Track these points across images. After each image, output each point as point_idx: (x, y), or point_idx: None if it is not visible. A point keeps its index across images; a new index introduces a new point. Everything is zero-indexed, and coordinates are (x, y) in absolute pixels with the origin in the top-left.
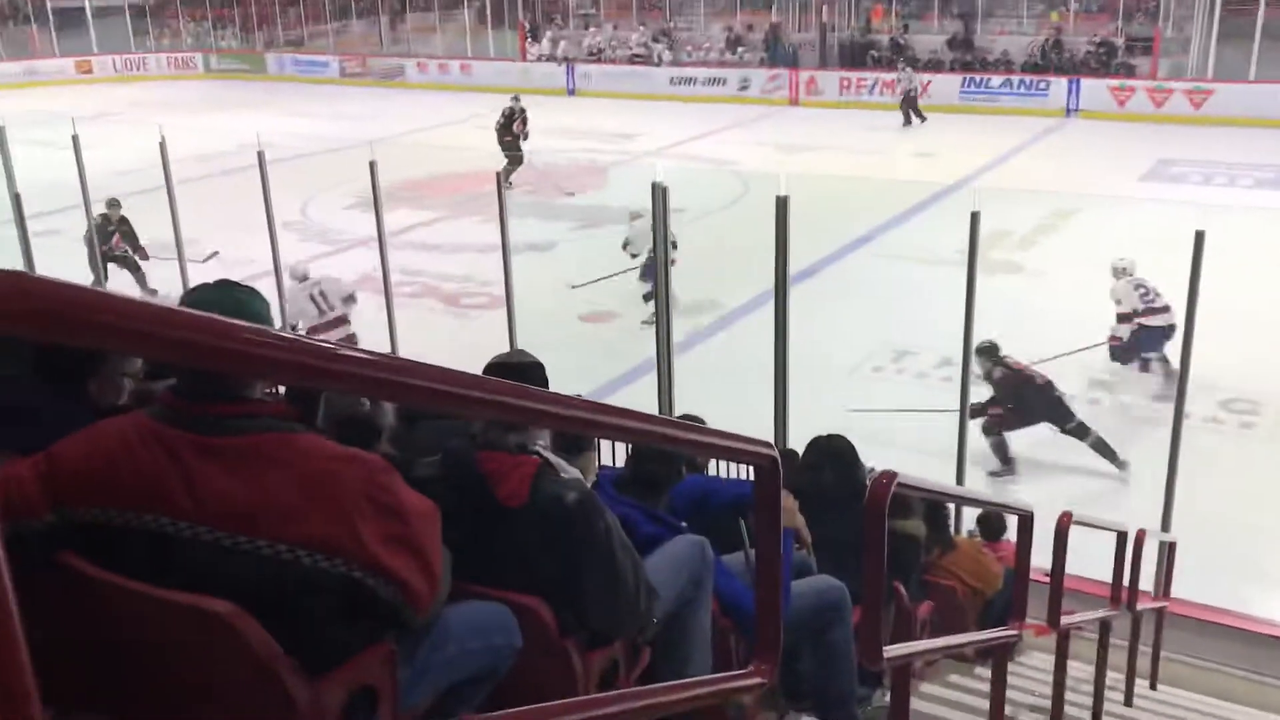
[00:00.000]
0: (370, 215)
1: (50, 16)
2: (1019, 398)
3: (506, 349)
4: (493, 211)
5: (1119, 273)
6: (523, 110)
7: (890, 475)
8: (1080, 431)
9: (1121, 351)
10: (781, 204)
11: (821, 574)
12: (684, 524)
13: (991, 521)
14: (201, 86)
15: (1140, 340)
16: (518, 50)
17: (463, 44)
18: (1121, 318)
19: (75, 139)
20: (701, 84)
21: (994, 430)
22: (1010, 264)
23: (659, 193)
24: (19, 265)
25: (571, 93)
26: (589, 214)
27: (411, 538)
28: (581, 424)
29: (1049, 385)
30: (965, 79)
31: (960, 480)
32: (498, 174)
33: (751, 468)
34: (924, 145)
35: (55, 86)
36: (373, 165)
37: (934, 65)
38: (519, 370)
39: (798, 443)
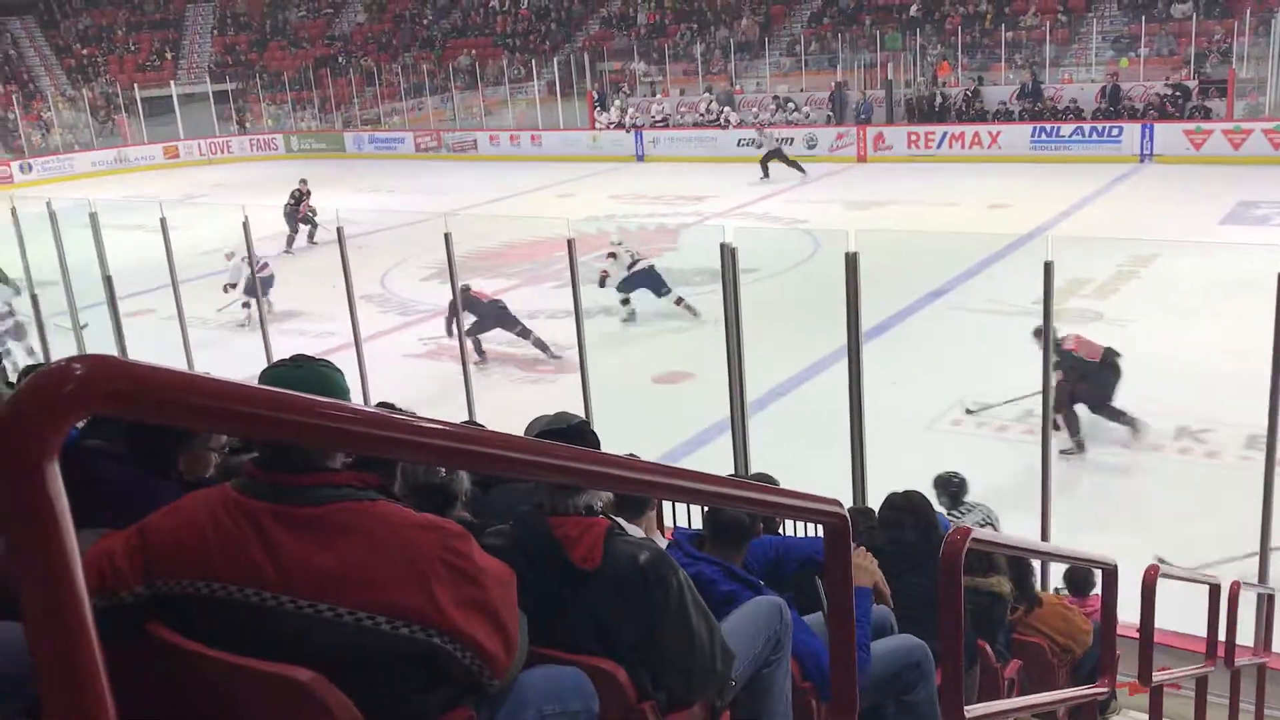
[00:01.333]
0: (447, 285)
1: (140, 105)
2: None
3: (582, 412)
4: (566, 277)
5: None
6: (308, 192)
7: (964, 531)
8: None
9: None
10: (851, 260)
11: (903, 633)
12: (762, 582)
13: (1078, 576)
14: (283, 166)
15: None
16: (586, 120)
17: (533, 115)
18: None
19: (163, 222)
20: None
21: (1063, 404)
22: (1089, 312)
23: (728, 254)
24: (111, 345)
25: (641, 159)
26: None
27: (488, 602)
28: (651, 487)
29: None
30: (1035, 129)
31: (1045, 535)
32: (569, 241)
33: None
34: (996, 196)
35: (144, 172)
36: (448, 237)
37: (1003, 116)
38: (571, 433)
39: (876, 499)
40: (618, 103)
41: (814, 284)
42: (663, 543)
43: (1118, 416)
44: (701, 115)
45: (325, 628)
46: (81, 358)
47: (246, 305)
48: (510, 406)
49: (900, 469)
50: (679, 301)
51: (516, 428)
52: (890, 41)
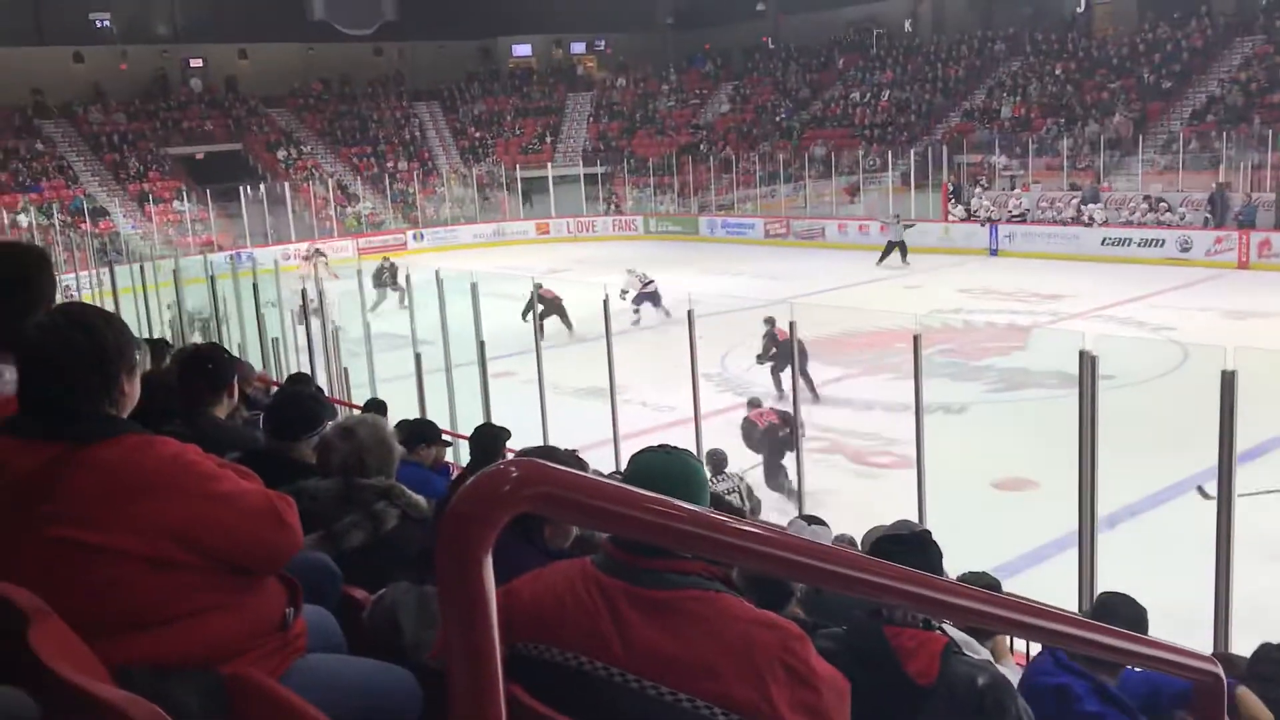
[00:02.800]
0: (785, 370)
1: (519, 184)
2: None
3: (914, 511)
4: (906, 370)
5: None
6: (392, 265)
7: None
8: None
9: None
10: (1228, 379)
11: None
12: (1141, 716)
13: None
14: (640, 246)
15: None
16: (939, 211)
17: (885, 205)
18: None
19: (532, 295)
20: (1136, 245)
21: None
22: None
23: (1087, 362)
24: (478, 401)
25: (994, 253)
26: (1008, 376)
27: (823, 709)
28: (988, 618)
29: None
30: None
31: None
32: (915, 337)
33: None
34: None
35: (518, 245)
36: (792, 325)
37: None
38: (913, 543)
39: (1240, 643)
40: (975, 195)
41: (1179, 398)
42: (1013, 670)
43: None
44: (1064, 212)
45: (663, 710)
46: (515, 462)
47: (636, 311)
48: (841, 498)
49: (1271, 614)
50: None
51: (845, 522)
52: None
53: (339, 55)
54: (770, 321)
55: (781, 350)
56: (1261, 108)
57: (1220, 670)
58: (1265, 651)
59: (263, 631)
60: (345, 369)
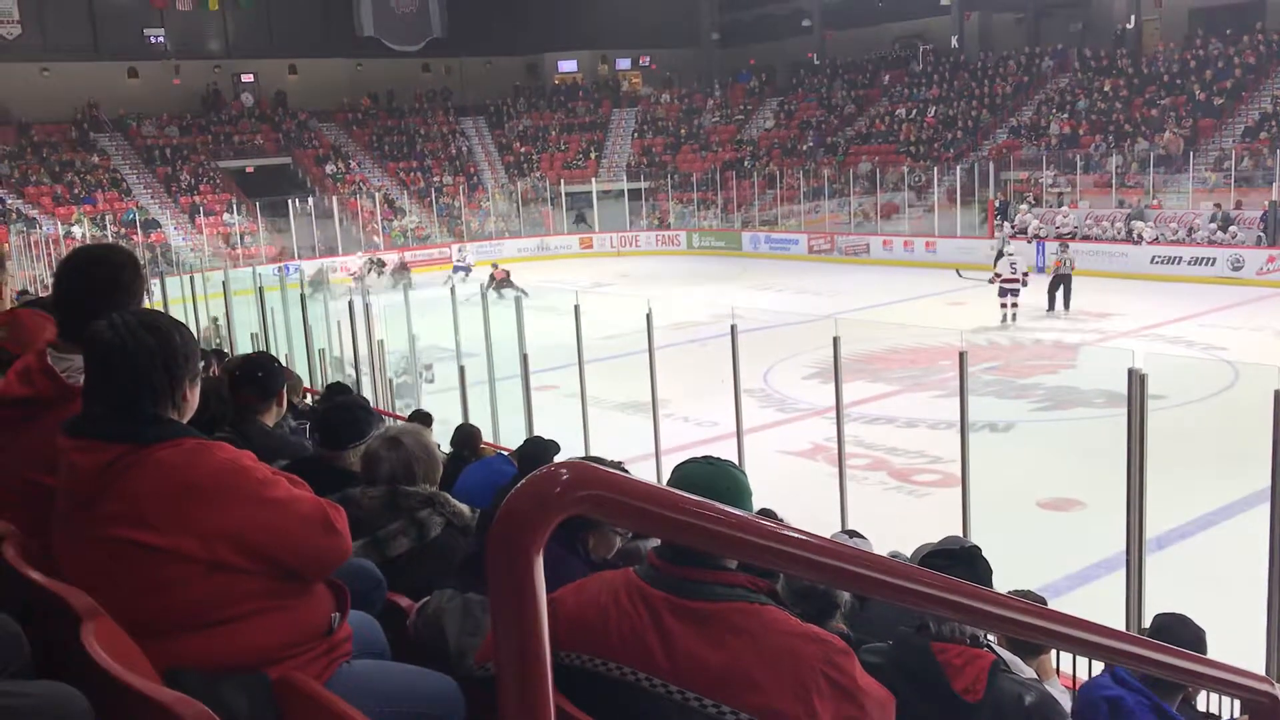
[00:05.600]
0: (827, 386)
1: (563, 199)
2: None
3: (958, 529)
4: (951, 387)
5: None
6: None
7: None
8: None
9: None
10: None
11: None
12: None
13: None
14: (683, 261)
15: None
16: (986, 228)
17: (930, 222)
18: None
19: (576, 309)
20: (1187, 263)
21: None
22: None
23: (1136, 380)
24: (520, 414)
25: (1041, 270)
26: (1055, 395)
27: None
28: (1040, 632)
29: None
30: None
31: None
32: (961, 354)
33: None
34: None
35: (561, 259)
36: (836, 340)
37: None
38: (962, 557)
39: None
40: (1022, 211)
41: (1229, 419)
42: (1058, 690)
43: None
44: (1112, 230)
45: None
46: (566, 465)
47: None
48: (883, 516)
49: None
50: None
51: (888, 542)
52: None
53: (387, 70)
54: None
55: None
56: None
57: (1275, 690)
58: None
59: (310, 636)
60: (390, 380)
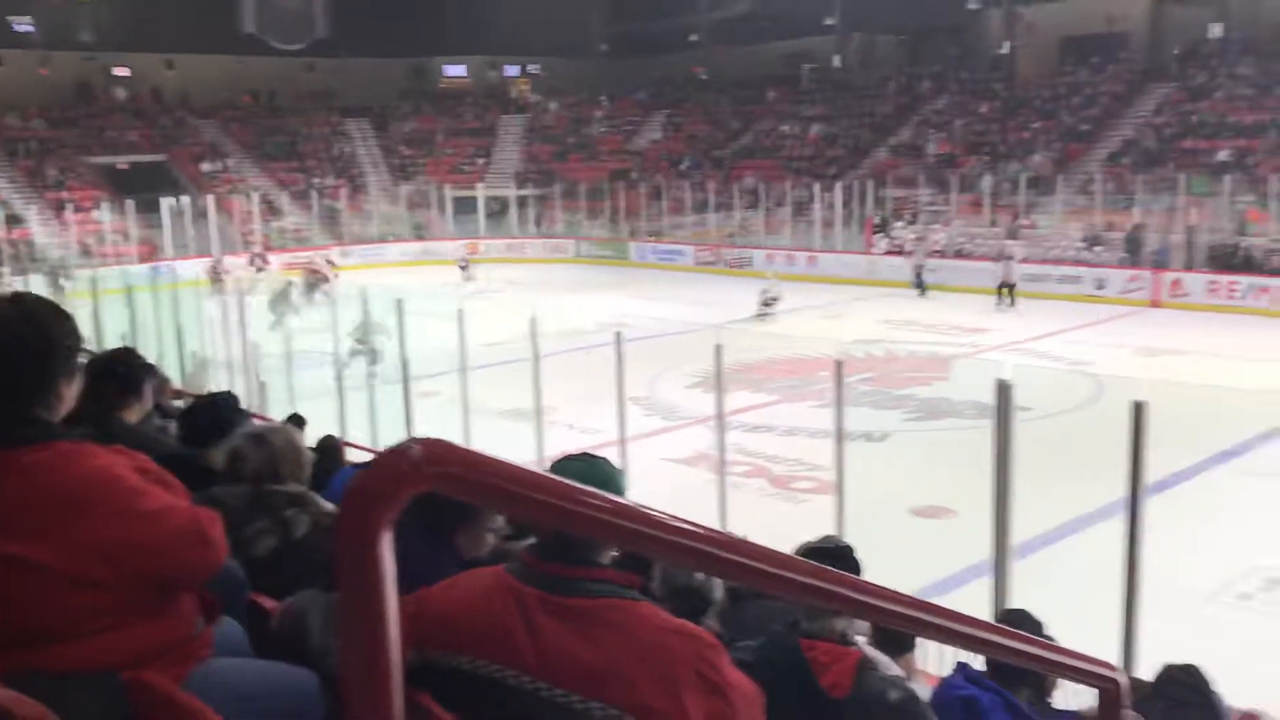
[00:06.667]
0: (711, 394)
1: (449, 204)
2: None
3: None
4: (829, 397)
5: None
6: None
7: (1251, 718)
8: None
9: None
10: (1138, 410)
11: None
12: None
13: None
14: (571, 269)
15: None
16: (864, 244)
17: (811, 236)
18: None
19: (460, 314)
20: (1055, 281)
21: None
22: None
23: (1004, 391)
24: (400, 420)
25: (917, 285)
26: (928, 406)
27: (734, 718)
28: (904, 619)
29: None
30: None
31: None
32: (837, 363)
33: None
34: None
35: (447, 265)
36: (718, 348)
37: None
38: (833, 554)
39: (1143, 669)
40: (899, 228)
41: (1092, 430)
42: (922, 688)
43: None
44: (985, 247)
45: (574, 718)
46: (420, 440)
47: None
48: (762, 522)
49: (1174, 641)
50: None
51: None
52: (1196, 186)
53: (269, 69)
54: None
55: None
56: (1175, 152)
57: (1120, 678)
58: (1169, 673)
59: (173, 644)
60: (263, 383)
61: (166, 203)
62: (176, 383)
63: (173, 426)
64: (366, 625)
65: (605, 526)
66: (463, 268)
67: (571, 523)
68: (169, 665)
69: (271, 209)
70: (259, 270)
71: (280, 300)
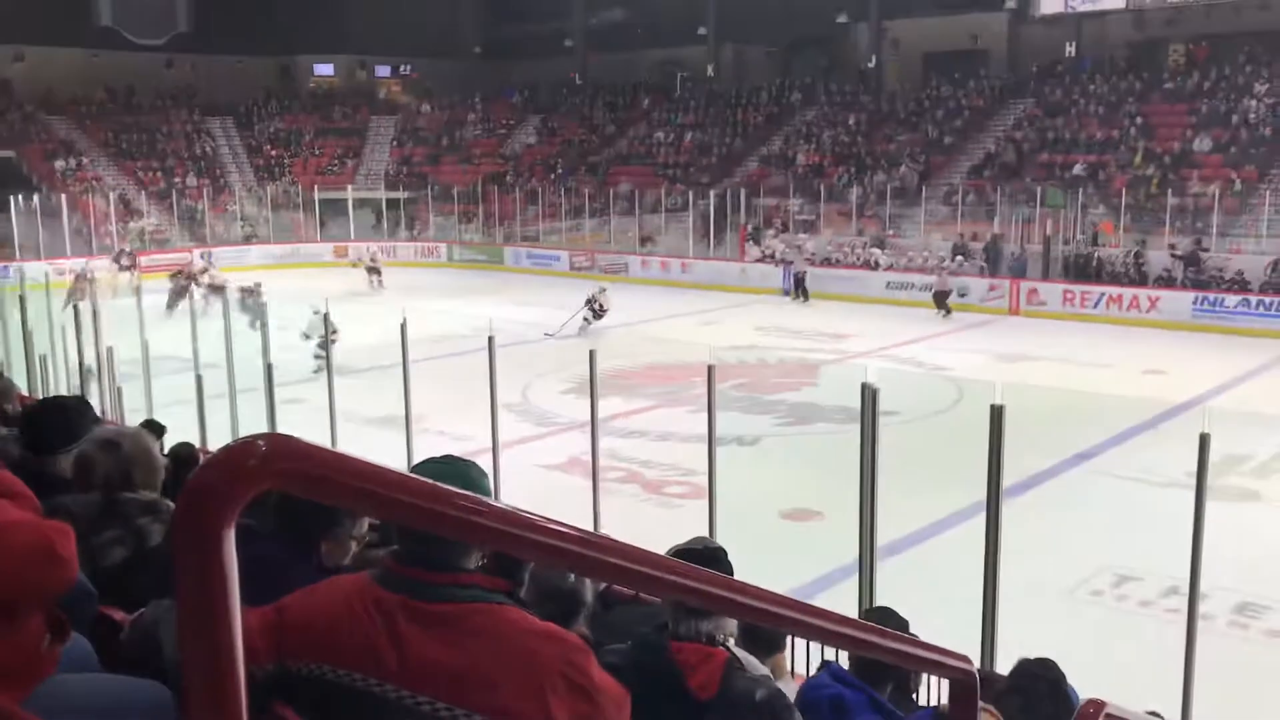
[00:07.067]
0: (585, 401)
1: (317, 206)
2: None
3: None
4: (703, 402)
5: None
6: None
7: (1098, 705)
8: None
9: None
10: (996, 413)
11: None
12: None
13: None
14: (443, 274)
15: None
16: (737, 252)
17: (686, 244)
18: None
19: (326, 318)
20: (918, 289)
21: None
22: (1247, 491)
23: (868, 394)
24: (264, 429)
25: (787, 293)
26: (798, 411)
27: None
28: (778, 619)
29: None
30: (1198, 297)
31: (1186, 718)
32: (709, 368)
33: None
34: (1152, 362)
35: (314, 268)
36: (592, 354)
37: (1165, 281)
38: (706, 556)
39: (1004, 664)
40: (770, 236)
41: (955, 433)
42: (791, 689)
43: None
44: (853, 255)
45: None
46: (264, 436)
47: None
48: (635, 527)
49: (1033, 635)
50: None
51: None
52: (1052, 198)
53: (126, 64)
54: None
55: None
56: (1032, 165)
57: (974, 669)
58: (1024, 666)
59: (16, 666)
60: (120, 389)
61: (15, 201)
62: (24, 390)
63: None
64: (207, 631)
65: (462, 525)
66: (373, 270)
67: (428, 521)
68: (9, 686)
69: (130, 209)
70: (124, 270)
71: (177, 297)
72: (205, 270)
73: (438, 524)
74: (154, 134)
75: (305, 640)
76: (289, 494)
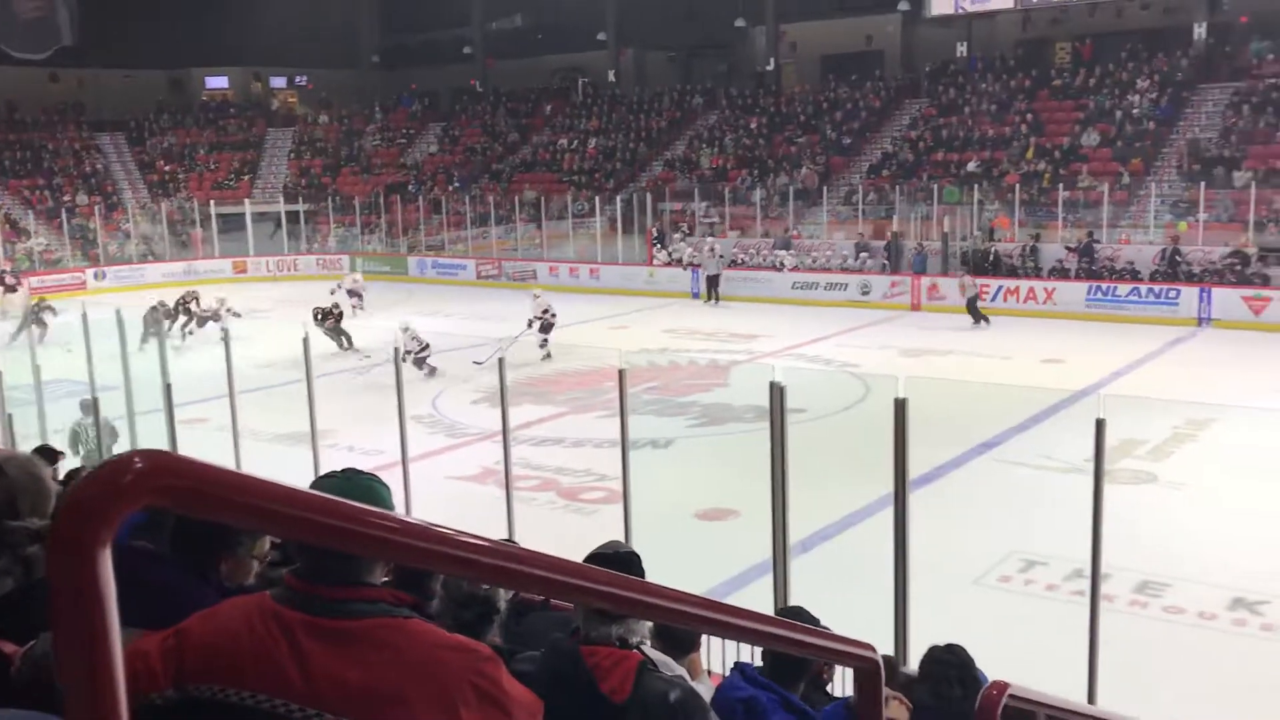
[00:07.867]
0: (496, 410)
1: (214, 221)
2: None
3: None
4: (615, 407)
5: None
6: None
7: (1001, 686)
8: None
9: None
10: (900, 406)
11: None
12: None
13: None
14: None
15: None
16: (645, 256)
17: (593, 249)
18: None
19: (226, 334)
20: (823, 289)
21: None
22: (1143, 474)
23: (776, 392)
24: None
25: (695, 296)
26: (710, 412)
27: None
28: (686, 617)
29: None
30: (1091, 287)
31: (1092, 699)
32: (620, 372)
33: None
34: (1050, 352)
35: (212, 285)
36: (501, 362)
37: (1059, 273)
38: (619, 560)
39: (917, 651)
40: (676, 239)
41: (863, 428)
42: (707, 687)
43: None
44: (758, 256)
45: None
46: (142, 452)
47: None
48: (551, 534)
49: (944, 622)
50: None
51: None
52: (948, 195)
53: (8, 80)
54: None
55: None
56: (929, 164)
57: (877, 656)
58: (933, 653)
59: None
60: (10, 415)
61: None
62: None
63: None
64: (84, 650)
65: (357, 538)
66: (354, 294)
67: (321, 536)
68: None
69: (17, 229)
70: (7, 292)
71: (154, 320)
72: (196, 298)
73: (330, 538)
74: (40, 151)
75: (205, 663)
76: (184, 515)
